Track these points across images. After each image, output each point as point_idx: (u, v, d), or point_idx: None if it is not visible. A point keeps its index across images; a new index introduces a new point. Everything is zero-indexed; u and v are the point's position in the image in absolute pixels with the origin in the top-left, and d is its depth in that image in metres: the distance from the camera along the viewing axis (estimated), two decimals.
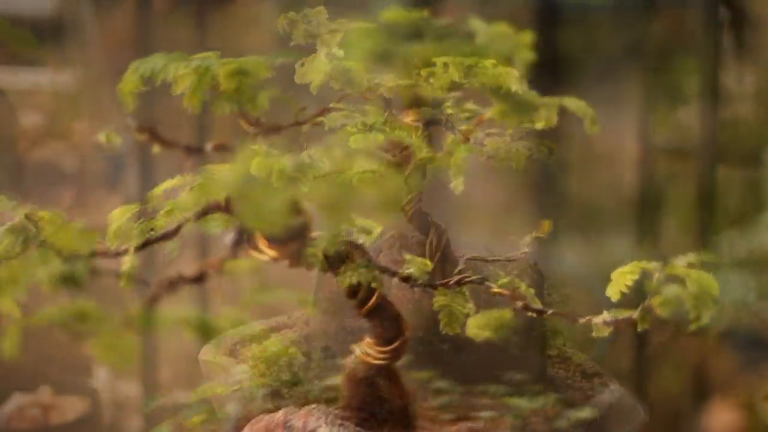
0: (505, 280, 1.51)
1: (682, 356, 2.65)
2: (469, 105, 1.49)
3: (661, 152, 2.68)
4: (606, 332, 1.44)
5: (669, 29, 2.69)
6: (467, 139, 1.51)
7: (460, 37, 1.34)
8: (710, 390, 2.67)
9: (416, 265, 1.53)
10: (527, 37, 1.33)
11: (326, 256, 1.45)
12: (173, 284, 1.13)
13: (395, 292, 1.66)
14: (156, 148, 1.31)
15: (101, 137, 1.36)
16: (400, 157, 1.17)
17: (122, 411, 2.96)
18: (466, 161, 1.47)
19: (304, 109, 1.49)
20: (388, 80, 1.47)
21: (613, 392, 1.81)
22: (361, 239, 1.51)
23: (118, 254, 1.39)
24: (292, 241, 1.36)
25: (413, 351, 1.64)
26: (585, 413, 1.72)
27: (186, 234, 1.39)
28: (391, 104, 1.56)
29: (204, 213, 1.35)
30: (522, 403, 1.73)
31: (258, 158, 1.16)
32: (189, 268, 1.15)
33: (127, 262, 1.37)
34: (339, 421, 1.54)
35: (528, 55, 1.33)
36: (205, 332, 1.06)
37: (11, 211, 1.38)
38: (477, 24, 1.34)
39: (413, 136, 1.45)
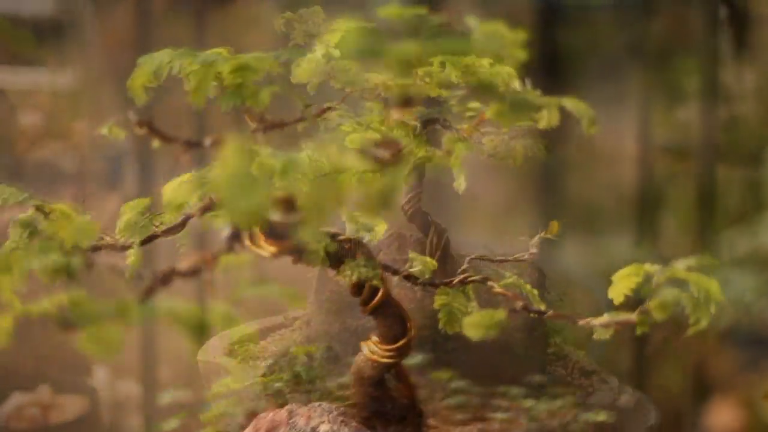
0: (509, 280, 1.52)
1: (682, 355, 2.65)
2: (473, 104, 1.49)
3: (661, 151, 2.68)
4: (606, 335, 1.45)
5: (669, 28, 2.69)
6: (467, 138, 1.51)
7: (455, 35, 1.33)
8: (711, 389, 2.67)
9: (421, 264, 1.54)
10: (520, 35, 1.32)
11: (327, 253, 1.45)
12: (167, 277, 1.13)
13: (396, 291, 1.66)
14: (155, 143, 1.32)
15: (104, 130, 1.37)
16: (392, 155, 1.17)
17: (121, 410, 2.96)
18: (465, 160, 1.47)
19: (310, 107, 1.49)
20: (386, 79, 1.47)
21: (630, 396, 1.82)
22: (366, 237, 1.51)
23: (124, 248, 1.41)
24: (291, 236, 1.36)
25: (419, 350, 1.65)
26: (601, 417, 1.73)
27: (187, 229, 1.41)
28: (389, 103, 1.56)
29: (207, 208, 1.36)
30: (539, 405, 1.73)
31: (241, 152, 1.16)
32: (183, 262, 1.15)
33: (132, 256, 1.41)
34: (341, 419, 1.54)
35: (520, 54, 1.33)
36: (193, 327, 1.06)
37: (22, 204, 1.40)
38: (473, 22, 1.34)
39: (410, 135, 1.45)
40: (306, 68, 1.50)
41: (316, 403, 1.59)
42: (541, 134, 1.54)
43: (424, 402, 1.70)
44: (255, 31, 2.68)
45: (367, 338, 1.57)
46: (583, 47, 2.65)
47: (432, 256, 1.72)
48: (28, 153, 3.01)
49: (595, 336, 1.45)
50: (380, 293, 1.52)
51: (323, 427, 1.54)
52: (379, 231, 1.52)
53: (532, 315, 1.52)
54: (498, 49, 1.33)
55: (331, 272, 1.54)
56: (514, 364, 1.82)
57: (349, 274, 1.48)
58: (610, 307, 1.46)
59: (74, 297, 1.05)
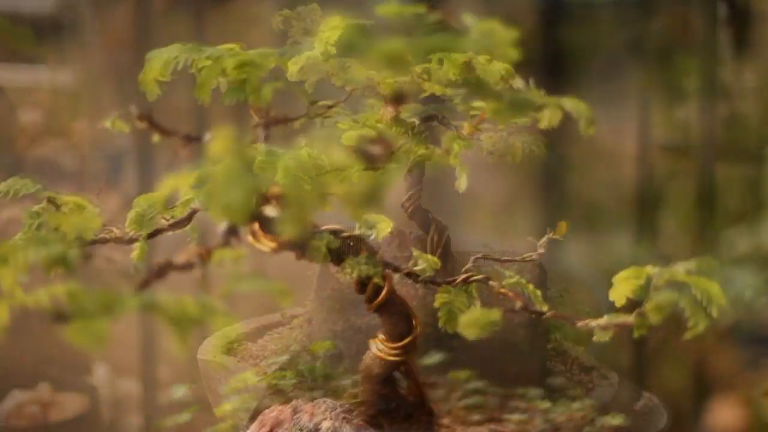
0: (512, 280, 1.51)
1: (683, 353, 2.65)
2: (477, 102, 1.49)
3: (661, 149, 2.67)
4: (606, 337, 1.45)
5: (669, 27, 2.69)
6: (467, 136, 1.51)
7: (449, 33, 1.33)
8: (712, 387, 2.66)
9: (425, 262, 1.53)
10: (513, 34, 1.32)
11: (329, 250, 1.45)
12: (162, 271, 1.13)
13: (397, 288, 1.67)
14: (155, 137, 1.32)
15: (107, 123, 1.38)
16: (383, 152, 1.16)
17: (121, 408, 2.96)
18: (465, 158, 1.47)
19: (315, 104, 1.50)
20: (375, 75, 1.47)
21: (645, 398, 1.82)
22: (371, 234, 1.51)
23: (131, 240, 1.42)
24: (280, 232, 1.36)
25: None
26: (617, 420, 1.73)
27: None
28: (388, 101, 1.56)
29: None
30: (557, 408, 1.73)
31: (227, 146, 1.16)
32: (179, 256, 1.15)
33: (137, 249, 1.43)
34: (343, 416, 1.54)
35: (512, 53, 1.32)
36: (178, 321, 1.05)
37: (35, 195, 1.41)
38: (470, 20, 1.33)
39: (409, 133, 1.45)
40: (302, 65, 1.50)
41: (321, 400, 1.59)
42: (540, 132, 1.54)
43: (440, 402, 1.71)
44: (254, 29, 2.68)
45: (374, 336, 1.57)
46: (584, 46, 2.65)
47: (433, 253, 1.71)
48: (28, 151, 3.01)
49: (594, 338, 1.45)
50: (385, 290, 1.52)
51: (325, 424, 1.54)
52: (384, 229, 1.52)
53: (531, 315, 1.52)
54: (490, 47, 1.33)
55: (333, 269, 1.54)
56: (517, 360, 1.82)
57: (350, 271, 1.48)
58: (611, 305, 1.46)
59: (71, 289, 1.05)
